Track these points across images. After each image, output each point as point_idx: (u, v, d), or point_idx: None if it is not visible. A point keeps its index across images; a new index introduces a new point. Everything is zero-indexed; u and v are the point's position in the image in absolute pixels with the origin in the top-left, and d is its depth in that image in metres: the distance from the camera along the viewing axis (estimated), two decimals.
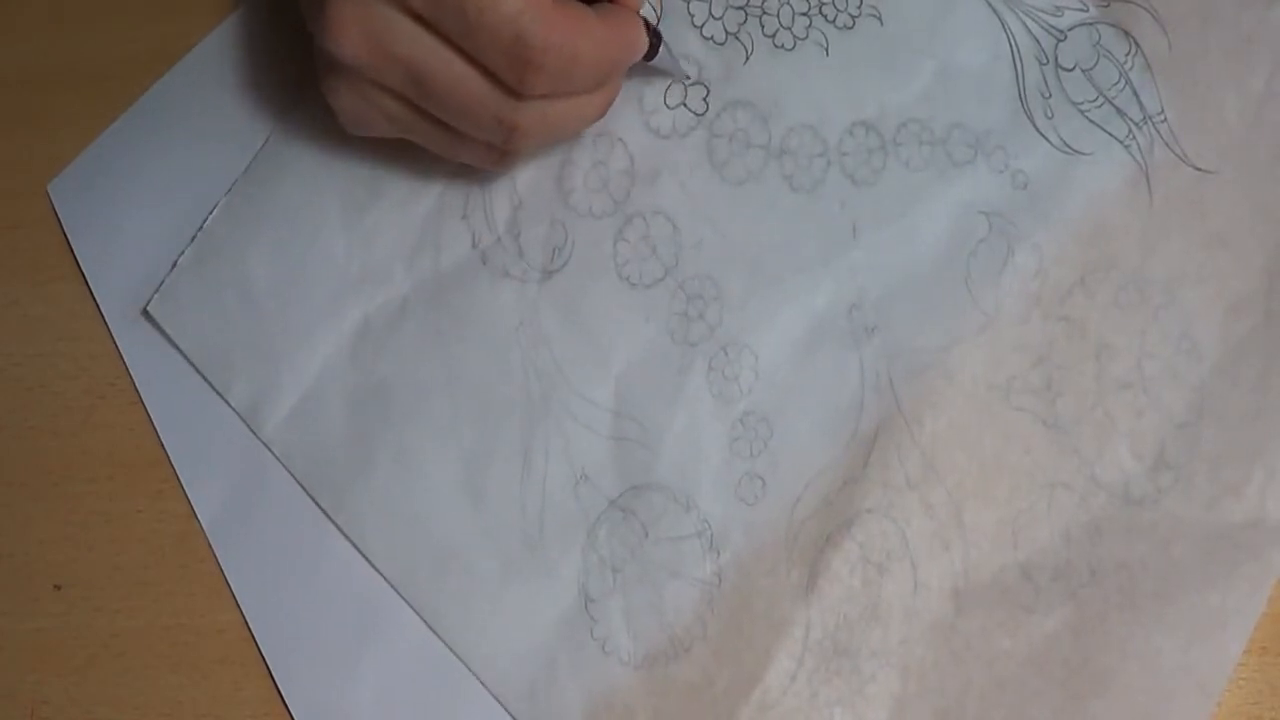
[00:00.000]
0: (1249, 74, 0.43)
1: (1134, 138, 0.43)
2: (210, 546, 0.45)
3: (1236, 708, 0.42)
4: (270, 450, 0.45)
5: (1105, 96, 0.44)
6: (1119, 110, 0.43)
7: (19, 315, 0.47)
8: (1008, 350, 0.43)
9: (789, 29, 0.45)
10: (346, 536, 0.44)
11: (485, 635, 0.43)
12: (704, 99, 0.45)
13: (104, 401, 0.46)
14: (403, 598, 0.44)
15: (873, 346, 0.43)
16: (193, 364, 0.45)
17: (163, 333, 0.46)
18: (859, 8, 0.45)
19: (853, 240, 0.44)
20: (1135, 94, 0.43)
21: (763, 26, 0.45)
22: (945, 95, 0.44)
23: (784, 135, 0.44)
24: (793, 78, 0.44)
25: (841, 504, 0.42)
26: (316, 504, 0.44)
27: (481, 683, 0.43)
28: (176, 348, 0.46)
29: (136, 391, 0.46)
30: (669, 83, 0.45)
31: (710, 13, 0.45)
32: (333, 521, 0.44)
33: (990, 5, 0.44)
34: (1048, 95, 0.44)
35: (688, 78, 0.45)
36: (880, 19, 0.44)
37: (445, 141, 0.41)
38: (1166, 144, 0.43)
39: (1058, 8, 0.44)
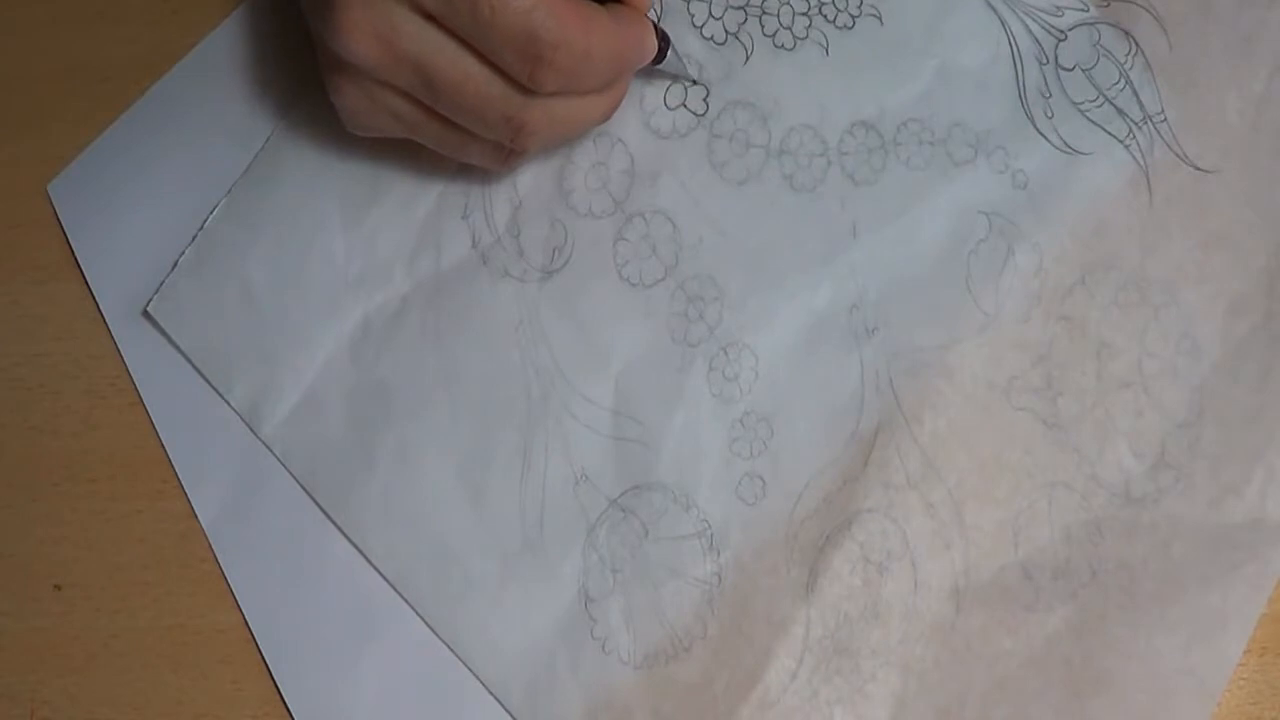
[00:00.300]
0: (1249, 74, 0.43)
1: (1134, 138, 0.43)
2: (210, 546, 0.45)
3: (1236, 708, 0.42)
4: (270, 450, 0.45)
5: (1105, 96, 0.44)
6: (1119, 110, 0.44)
7: (19, 315, 0.47)
8: (1008, 350, 0.43)
9: (789, 29, 0.45)
10: (346, 536, 0.44)
11: (485, 635, 0.43)
12: (704, 99, 0.45)
13: (104, 401, 0.46)
14: (403, 598, 0.44)
15: (873, 346, 0.43)
16: (193, 364, 0.45)
17: (163, 333, 0.46)
18: (859, 8, 0.45)
19: (853, 240, 0.44)
20: (1135, 94, 0.44)
21: (763, 26, 0.45)
22: (945, 95, 0.44)
23: (784, 135, 0.44)
24: (793, 78, 0.44)
25: (842, 503, 0.42)
26: (316, 504, 0.44)
27: (481, 683, 0.43)
28: (176, 348, 0.46)
29: (136, 391, 0.46)
30: (669, 83, 0.45)
31: (710, 13, 0.45)
32: (333, 521, 0.44)
33: (990, 5, 0.44)
34: (1048, 95, 0.44)
35: (694, 81, 0.45)
36: (880, 19, 0.44)
37: (452, 141, 0.41)
38: (1167, 144, 0.43)
39: (1058, 8, 0.44)
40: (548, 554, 0.43)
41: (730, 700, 0.42)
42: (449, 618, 0.43)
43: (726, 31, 0.45)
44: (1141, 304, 0.43)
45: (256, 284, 0.45)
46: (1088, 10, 0.44)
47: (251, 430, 0.45)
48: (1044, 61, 0.44)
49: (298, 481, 0.45)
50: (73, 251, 0.47)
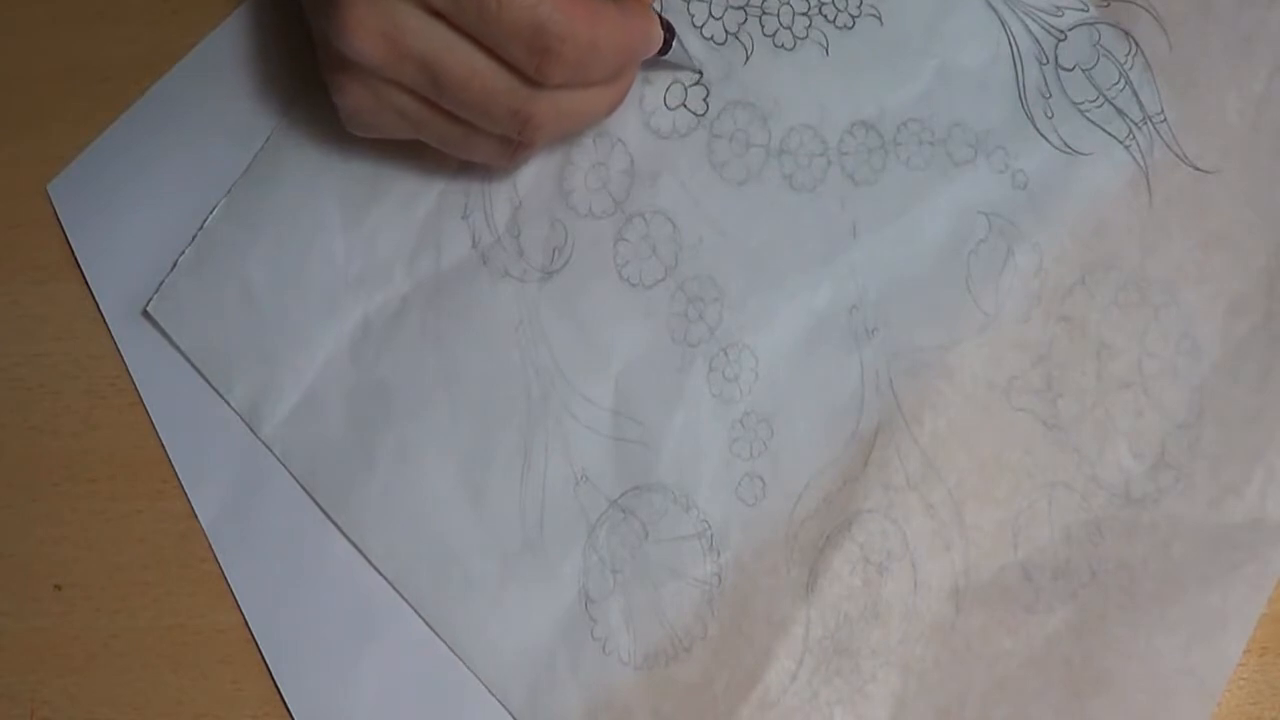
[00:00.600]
0: (1249, 74, 0.43)
1: (1134, 138, 0.43)
2: (210, 546, 0.45)
3: (1236, 708, 0.42)
4: (270, 450, 0.45)
5: (1105, 96, 0.44)
6: (1119, 110, 0.44)
7: (19, 315, 0.47)
8: (1008, 350, 0.43)
9: (789, 29, 0.45)
10: (346, 536, 0.44)
11: (485, 635, 0.43)
12: (704, 99, 0.45)
13: (104, 401, 0.46)
14: (403, 598, 0.44)
15: (873, 346, 0.43)
16: (193, 364, 0.45)
17: (163, 333, 0.46)
18: (859, 8, 0.45)
19: (853, 240, 0.44)
20: (1135, 94, 0.44)
21: (763, 26, 0.45)
22: (945, 95, 0.44)
23: (784, 135, 0.44)
24: (793, 78, 0.44)
25: (842, 504, 0.42)
26: (316, 504, 0.44)
27: (481, 683, 0.43)
28: (176, 348, 0.46)
29: (136, 391, 0.46)
30: (669, 83, 0.45)
31: (710, 13, 0.45)
32: (333, 521, 0.44)
33: (990, 5, 0.44)
34: (1048, 95, 0.44)
35: (699, 73, 0.45)
36: (880, 19, 0.44)
37: (457, 138, 0.41)
38: (1166, 144, 0.43)
39: (1058, 8, 0.44)
40: (548, 554, 0.43)
41: (730, 700, 0.42)
42: (449, 618, 0.43)
43: (726, 31, 0.45)
44: (1141, 304, 0.43)
45: (256, 284, 0.45)
46: (1088, 10, 0.44)
47: (251, 430, 0.45)
48: (1044, 61, 0.44)
49: (298, 481, 0.45)
50: (73, 251, 0.47)
